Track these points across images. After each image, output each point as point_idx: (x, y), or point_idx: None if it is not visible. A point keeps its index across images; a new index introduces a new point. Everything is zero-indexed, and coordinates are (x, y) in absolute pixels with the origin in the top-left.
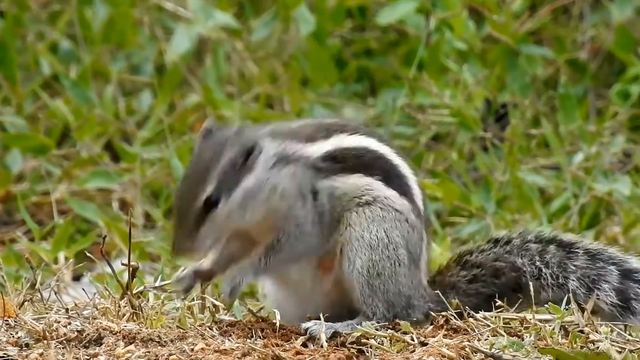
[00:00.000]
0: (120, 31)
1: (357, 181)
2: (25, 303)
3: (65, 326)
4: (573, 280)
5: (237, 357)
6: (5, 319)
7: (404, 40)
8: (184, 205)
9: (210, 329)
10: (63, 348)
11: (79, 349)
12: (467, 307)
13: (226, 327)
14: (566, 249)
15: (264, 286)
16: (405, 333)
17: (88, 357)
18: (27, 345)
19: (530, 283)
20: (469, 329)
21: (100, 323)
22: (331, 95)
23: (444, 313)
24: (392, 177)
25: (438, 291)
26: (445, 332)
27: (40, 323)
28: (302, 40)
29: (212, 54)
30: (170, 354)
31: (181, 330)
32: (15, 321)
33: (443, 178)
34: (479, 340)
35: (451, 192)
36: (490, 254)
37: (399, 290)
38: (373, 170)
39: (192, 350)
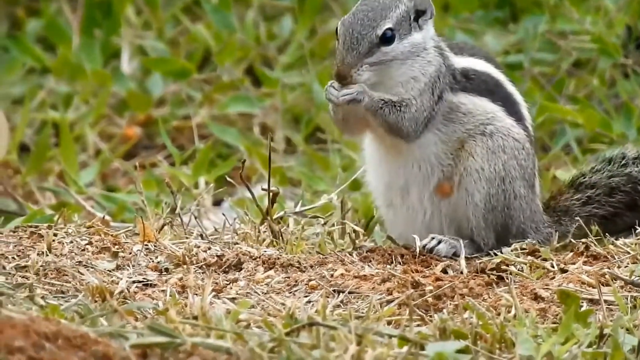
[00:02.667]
0: None
1: (485, 106)
2: (165, 227)
3: (205, 251)
4: None
5: (377, 283)
6: (145, 243)
7: None
8: (360, 32)
9: (350, 254)
10: (202, 273)
11: (218, 274)
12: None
13: (366, 252)
14: None
15: (378, 208)
16: (545, 260)
17: (227, 282)
18: (166, 269)
19: None
20: (608, 256)
21: (240, 248)
22: (471, 22)
23: (584, 240)
24: (509, 105)
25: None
26: (585, 259)
27: (179, 248)
28: None
29: None
30: (310, 280)
31: (321, 255)
32: (155, 246)
33: (584, 104)
34: (618, 267)
35: (592, 119)
36: (604, 172)
37: (510, 223)
38: (495, 96)
39: (332, 275)
